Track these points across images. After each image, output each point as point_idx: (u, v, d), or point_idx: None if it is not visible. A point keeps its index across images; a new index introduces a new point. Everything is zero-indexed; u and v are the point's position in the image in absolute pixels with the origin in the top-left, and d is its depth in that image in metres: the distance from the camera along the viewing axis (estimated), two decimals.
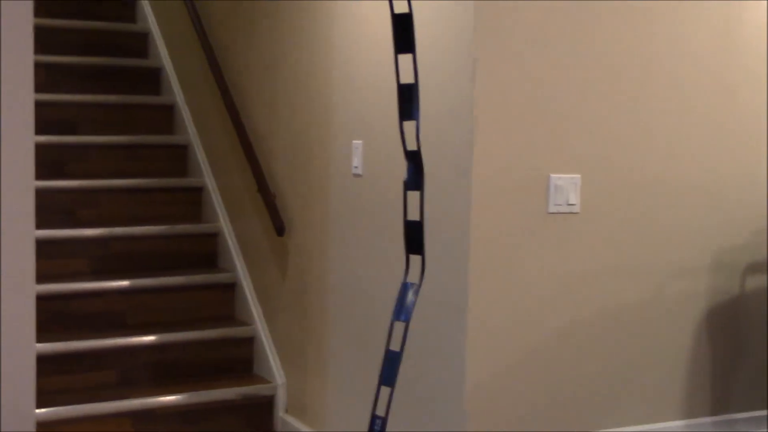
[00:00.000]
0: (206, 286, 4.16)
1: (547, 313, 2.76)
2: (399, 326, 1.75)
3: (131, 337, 3.81)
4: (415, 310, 1.80)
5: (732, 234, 3.01)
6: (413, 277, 1.75)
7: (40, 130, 2.41)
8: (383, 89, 3.04)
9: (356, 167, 3.22)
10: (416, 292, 1.73)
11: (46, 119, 4.45)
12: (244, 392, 3.79)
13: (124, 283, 3.99)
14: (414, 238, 1.74)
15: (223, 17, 4.38)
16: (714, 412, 3.03)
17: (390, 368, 1.71)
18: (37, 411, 3.28)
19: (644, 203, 2.87)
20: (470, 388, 2.67)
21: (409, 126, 1.70)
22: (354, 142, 3.23)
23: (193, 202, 4.55)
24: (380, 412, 1.72)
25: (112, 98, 4.79)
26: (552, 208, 2.73)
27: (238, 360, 3.99)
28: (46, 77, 4.69)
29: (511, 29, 2.65)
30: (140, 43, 5.22)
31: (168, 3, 5.01)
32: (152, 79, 5.05)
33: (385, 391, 1.70)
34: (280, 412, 3.80)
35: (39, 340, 2.19)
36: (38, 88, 2.32)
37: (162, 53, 5.09)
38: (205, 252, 4.37)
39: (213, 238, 4.38)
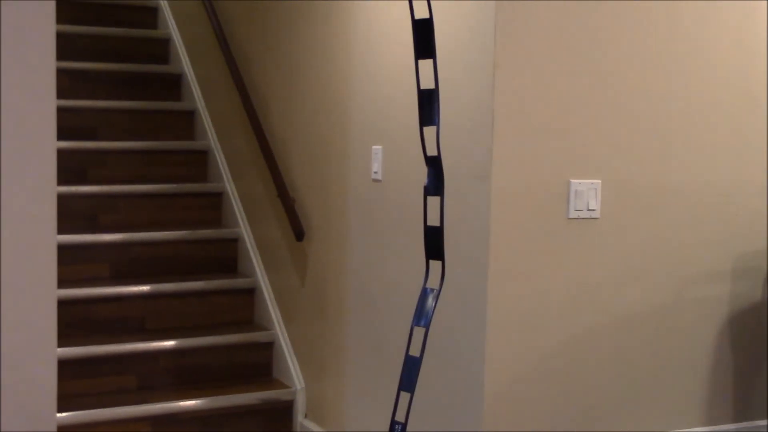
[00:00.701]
0: (226, 291, 4.18)
1: (567, 319, 2.75)
2: (418, 331, 1.75)
3: (151, 341, 3.83)
4: (435, 315, 1.79)
5: (754, 239, 2.99)
6: (433, 282, 1.75)
7: (62, 135, 2.43)
8: (402, 94, 3.04)
9: (376, 172, 3.22)
10: (436, 298, 1.73)
11: (67, 125, 4.49)
12: (263, 397, 3.80)
13: (145, 288, 4.01)
14: (434, 243, 1.74)
15: (244, 24, 4.40)
16: (736, 419, 3.01)
17: (410, 374, 1.71)
18: (58, 415, 3.29)
19: (665, 208, 2.85)
20: (489, 393, 2.67)
21: (429, 131, 1.70)
22: (373, 147, 3.23)
23: (213, 207, 4.57)
24: (400, 417, 1.71)
25: (133, 104, 4.82)
26: (572, 214, 2.73)
27: (257, 365, 4.00)
28: (68, 83, 4.72)
29: (531, 35, 2.64)
30: (161, 50, 5.26)
31: (189, 9, 5.04)
32: (173, 85, 5.08)
33: (404, 396, 1.69)
34: (300, 417, 3.81)
35: (60, 344, 2.20)
36: (60, 94, 2.33)
37: (183, 59, 5.11)
38: (225, 257, 4.38)
39: (233, 243, 4.39)
